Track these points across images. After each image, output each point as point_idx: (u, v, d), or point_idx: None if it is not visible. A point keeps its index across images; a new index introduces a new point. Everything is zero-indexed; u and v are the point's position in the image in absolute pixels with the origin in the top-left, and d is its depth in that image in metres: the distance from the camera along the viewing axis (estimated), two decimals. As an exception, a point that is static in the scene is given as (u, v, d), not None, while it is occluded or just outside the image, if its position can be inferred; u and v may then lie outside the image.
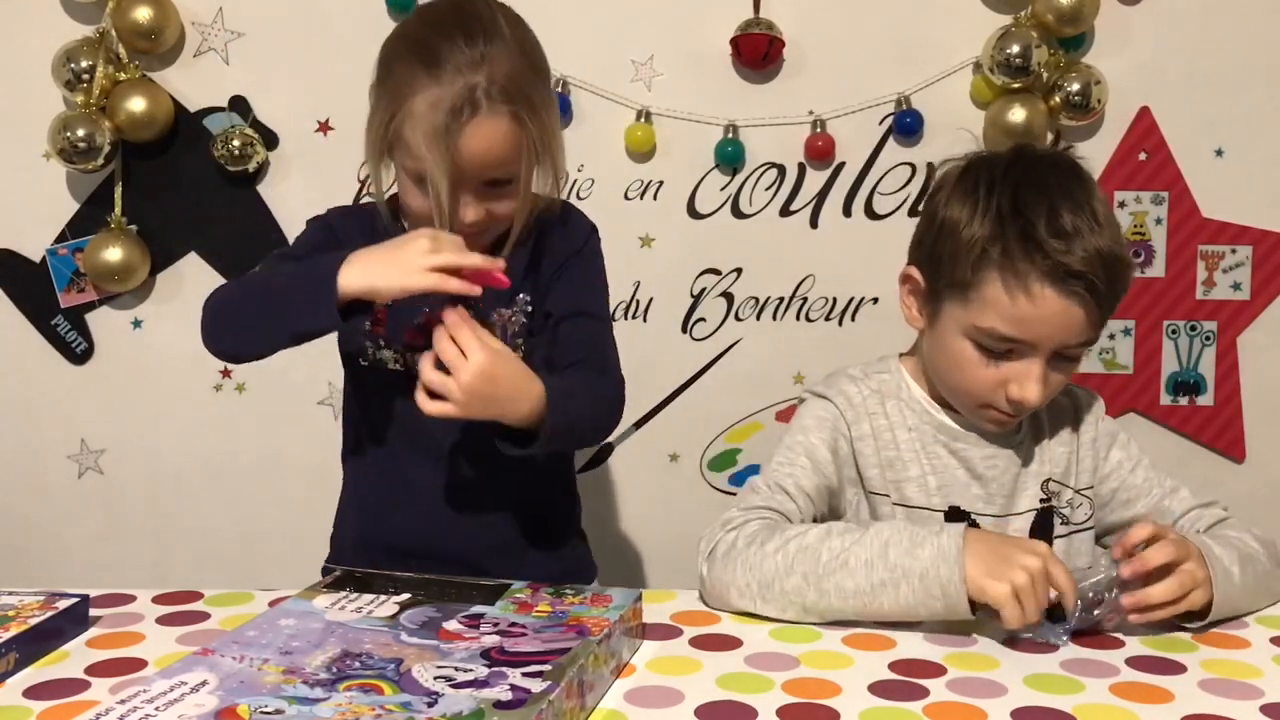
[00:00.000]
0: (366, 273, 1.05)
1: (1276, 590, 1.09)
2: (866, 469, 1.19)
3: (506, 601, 0.95)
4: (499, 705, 0.75)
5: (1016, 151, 1.15)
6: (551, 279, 1.25)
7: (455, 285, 1.05)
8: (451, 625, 0.90)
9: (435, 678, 0.79)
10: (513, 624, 0.90)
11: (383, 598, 0.95)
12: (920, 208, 1.24)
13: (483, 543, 1.27)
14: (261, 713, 0.73)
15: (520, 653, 0.84)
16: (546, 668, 0.80)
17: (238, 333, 1.17)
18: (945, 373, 1.16)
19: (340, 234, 1.25)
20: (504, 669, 0.81)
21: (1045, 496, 1.19)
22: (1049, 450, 1.21)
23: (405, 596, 0.96)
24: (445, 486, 1.26)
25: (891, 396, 1.21)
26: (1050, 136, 2.01)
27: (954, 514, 1.17)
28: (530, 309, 1.24)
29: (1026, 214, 1.06)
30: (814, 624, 1.02)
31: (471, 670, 0.81)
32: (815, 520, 1.17)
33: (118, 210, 2.04)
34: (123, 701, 0.74)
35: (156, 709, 0.74)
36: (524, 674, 0.80)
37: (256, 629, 0.88)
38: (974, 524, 1.17)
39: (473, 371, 1.04)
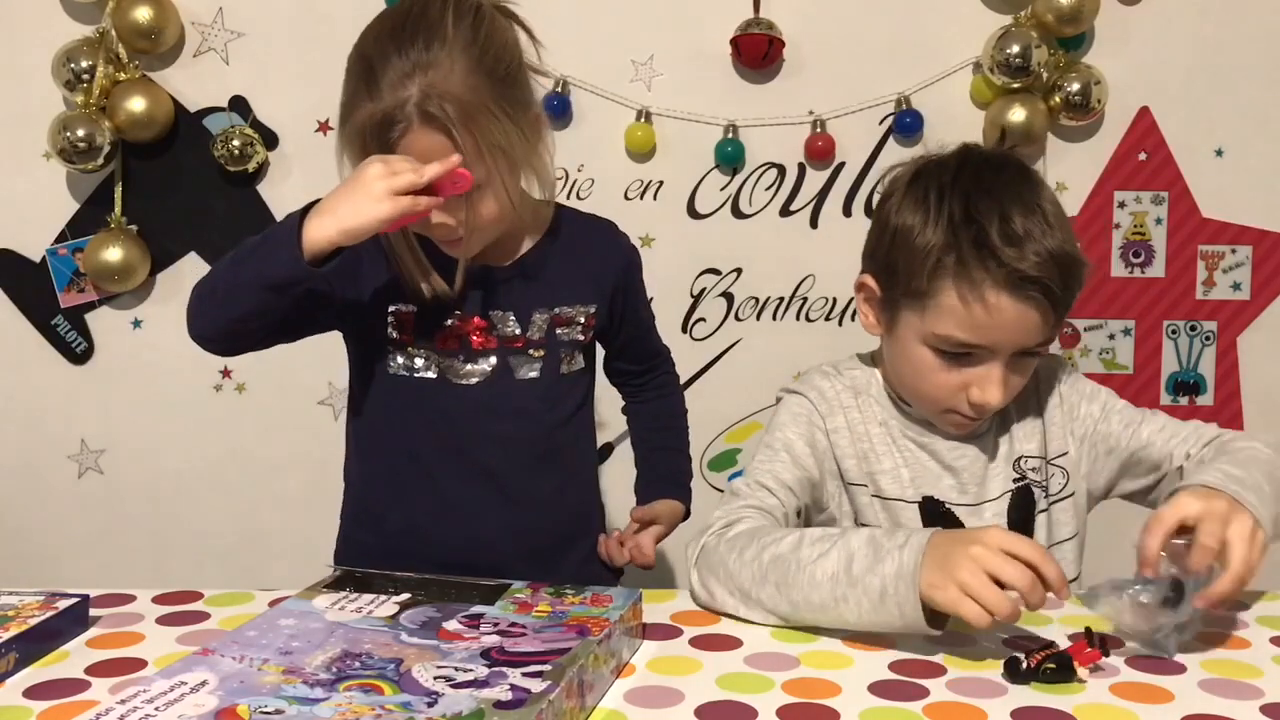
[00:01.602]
0: (335, 216, 1.03)
1: None
2: (844, 460, 1.19)
3: (506, 601, 0.95)
4: (499, 705, 0.74)
5: (963, 155, 1.15)
6: (616, 292, 1.29)
7: (426, 203, 1.04)
8: (451, 625, 0.90)
9: (435, 678, 0.79)
10: (513, 624, 0.90)
11: (383, 598, 0.95)
12: (875, 210, 1.24)
13: (519, 546, 1.26)
14: (261, 713, 0.73)
15: (520, 653, 0.84)
16: (546, 668, 0.80)
17: (214, 305, 1.11)
18: (906, 378, 1.17)
19: (362, 245, 1.18)
20: (504, 669, 0.80)
21: (1019, 475, 1.20)
22: (1018, 430, 1.21)
23: (405, 596, 0.96)
24: (480, 491, 1.25)
25: (863, 392, 1.22)
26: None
27: (928, 504, 1.17)
28: (594, 317, 1.26)
29: (979, 220, 1.06)
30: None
31: (471, 670, 0.80)
32: (799, 513, 1.17)
33: (118, 210, 2.04)
34: (123, 701, 0.74)
35: (156, 709, 0.74)
36: (524, 674, 0.79)
37: (256, 629, 0.88)
38: (949, 514, 1.17)
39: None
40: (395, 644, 0.86)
